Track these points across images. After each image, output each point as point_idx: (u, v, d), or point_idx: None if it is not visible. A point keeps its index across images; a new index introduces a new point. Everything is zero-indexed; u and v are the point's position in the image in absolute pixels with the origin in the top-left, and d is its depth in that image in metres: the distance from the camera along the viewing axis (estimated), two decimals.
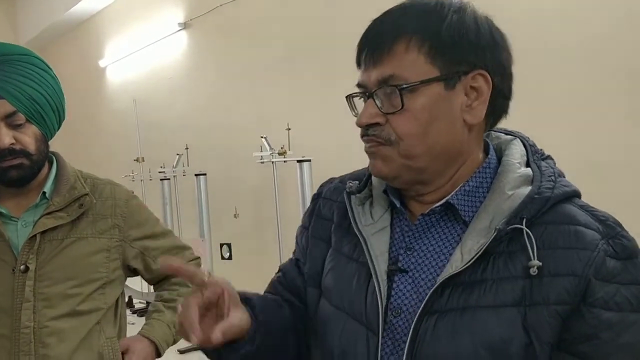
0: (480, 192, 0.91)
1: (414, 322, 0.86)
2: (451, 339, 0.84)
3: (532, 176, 0.89)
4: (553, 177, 0.90)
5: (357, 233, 0.94)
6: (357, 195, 0.98)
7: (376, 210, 0.96)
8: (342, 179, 1.07)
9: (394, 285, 0.90)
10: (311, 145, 2.78)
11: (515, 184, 0.89)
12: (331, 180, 1.11)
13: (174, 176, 3.36)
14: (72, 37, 5.58)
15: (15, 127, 1.40)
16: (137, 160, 3.56)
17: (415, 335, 0.86)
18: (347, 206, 0.97)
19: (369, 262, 0.91)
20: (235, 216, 3.17)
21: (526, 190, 0.87)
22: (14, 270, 1.41)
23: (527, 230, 0.83)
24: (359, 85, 0.92)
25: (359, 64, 0.92)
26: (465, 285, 0.85)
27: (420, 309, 0.86)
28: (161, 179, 3.49)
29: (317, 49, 3.04)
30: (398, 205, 0.94)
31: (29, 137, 1.41)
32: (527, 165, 0.92)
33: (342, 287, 0.97)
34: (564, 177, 0.92)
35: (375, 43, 0.89)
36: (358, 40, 0.93)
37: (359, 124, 0.90)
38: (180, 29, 4.10)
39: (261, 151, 2.83)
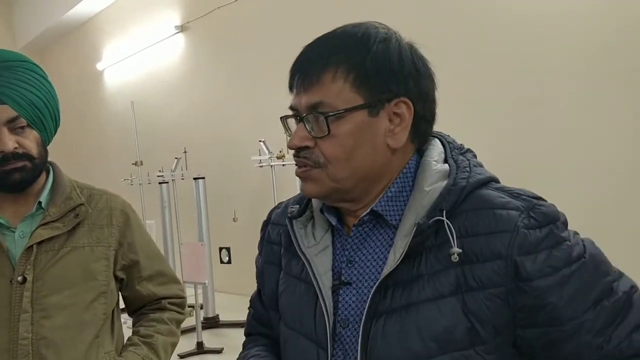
0: (404, 195, 0.96)
1: (361, 327, 0.91)
2: (400, 338, 0.89)
3: (449, 170, 0.94)
4: (468, 168, 0.95)
5: (301, 255, 0.99)
6: (299, 219, 1.03)
7: (318, 231, 1.01)
8: (287, 203, 1.12)
9: (340, 298, 0.96)
10: None
11: (432, 180, 0.94)
12: (279, 205, 1.16)
13: (172, 180, 3.35)
14: (70, 40, 5.57)
15: (17, 131, 1.42)
16: (135, 164, 3.55)
17: (365, 340, 0.91)
18: (289, 230, 1.02)
19: (314, 281, 0.96)
20: (234, 220, 3.16)
21: (443, 184, 0.93)
22: (11, 281, 1.40)
23: (447, 220, 0.88)
24: (291, 107, 0.98)
25: (291, 88, 0.98)
26: (405, 283, 0.90)
27: (365, 312, 0.91)
28: (160, 183, 3.48)
29: None
30: (334, 223, 0.99)
31: (30, 141, 1.43)
32: (446, 161, 0.97)
33: (293, 307, 1.02)
34: (482, 167, 0.97)
35: (305, 70, 0.95)
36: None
37: (290, 146, 0.96)
38: (178, 32, 4.09)
39: (260, 155, 2.82)
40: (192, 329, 2.84)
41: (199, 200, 3.20)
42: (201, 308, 2.79)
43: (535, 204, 0.90)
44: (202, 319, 2.73)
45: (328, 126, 0.92)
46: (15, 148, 1.40)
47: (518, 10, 2.29)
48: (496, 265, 0.87)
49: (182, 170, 3.37)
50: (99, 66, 5.07)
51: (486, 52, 2.39)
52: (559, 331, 0.88)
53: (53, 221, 1.45)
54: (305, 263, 0.98)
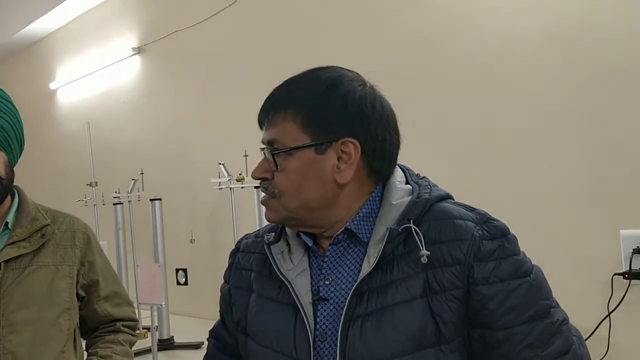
0: (374, 214, 1.06)
1: (339, 329, 0.99)
2: (378, 337, 0.98)
3: (412, 189, 1.07)
4: (429, 186, 1.08)
5: (282, 278, 1.07)
6: (276, 244, 1.11)
7: (295, 255, 1.09)
8: (257, 234, 1.22)
9: (318, 313, 1.04)
10: None
11: (399, 195, 1.05)
12: (247, 236, 1.25)
13: (128, 201, 3.34)
14: (22, 59, 5.49)
15: None
16: (90, 184, 3.52)
17: (344, 342, 0.99)
18: (268, 256, 1.10)
19: (296, 300, 1.04)
20: (191, 241, 3.18)
21: (408, 199, 1.04)
22: None
23: (414, 227, 0.99)
24: (262, 141, 1.09)
25: (258, 124, 1.11)
26: (380, 288, 1.00)
27: (343, 316, 1.00)
28: (114, 204, 3.47)
29: (274, 76, 3.10)
30: (310, 245, 1.09)
31: None
32: (407, 183, 1.09)
33: (269, 327, 1.09)
34: (438, 187, 1.10)
35: (266, 109, 1.08)
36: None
37: (252, 177, 1.09)
38: (135, 54, 4.10)
39: (219, 177, 2.86)
40: (147, 351, 2.83)
41: (155, 221, 3.20)
42: (156, 329, 2.77)
43: (488, 217, 1.03)
44: (156, 340, 2.72)
45: (275, 162, 1.04)
46: None
47: (465, 33, 2.41)
48: (455, 269, 0.99)
49: (138, 191, 3.36)
50: (52, 85, 5.01)
51: (433, 79, 2.50)
52: (491, 336, 0.99)
53: (20, 240, 1.52)
54: (287, 285, 1.06)
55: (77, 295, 1.61)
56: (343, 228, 1.05)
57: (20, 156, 1.60)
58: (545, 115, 2.21)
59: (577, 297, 2.07)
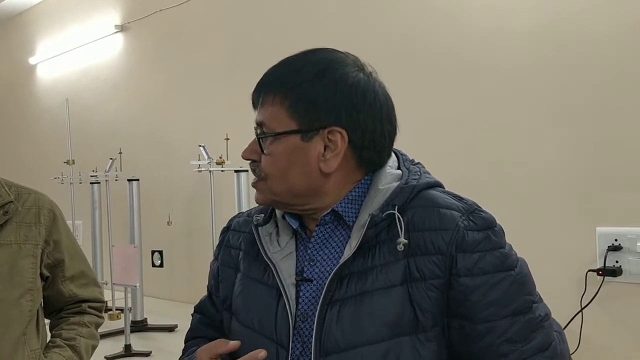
0: (362, 198, 1.05)
1: (316, 314, 0.99)
2: (354, 323, 0.97)
3: (402, 174, 1.05)
4: (419, 173, 1.06)
5: (267, 260, 1.06)
6: (264, 226, 1.10)
7: (282, 238, 1.09)
8: (249, 213, 1.21)
9: (301, 294, 1.03)
10: None
11: (387, 180, 1.04)
12: (239, 214, 1.25)
13: (106, 180, 3.30)
14: (1, 32, 5.38)
15: None
16: (67, 162, 3.47)
17: (320, 327, 0.98)
18: (255, 237, 1.09)
19: (279, 282, 1.04)
20: (168, 223, 3.15)
21: (396, 184, 1.02)
22: None
23: (397, 213, 0.97)
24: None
25: (254, 106, 1.08)
26: (360, 273, 0.98)
27: (321, 299, 0.99)
28: (91, 183, 3.42)
29: (258, 59, 3.07)
30: (295, 227, 1.08)
31: None
32: (399, 169, 1.07)
33: (251, 307, 1.09)
34: (430, 174, 1.09)
35: (257, 90, 1.06)
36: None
37: (242, 157, 1.08)
38: (117, 31, 4.03)
39: (199, 160, 2.83)
40: (120, 332, 2.80)
41: (132, 202, 3.16)
42: (129, 311, 2.75)
43: (475, 208, 1.01)
44: (130, 322, 2.70)
45: (261, 146, 1.03)
46: None
47: (460, 26, 2.40)
48: (437, 258, 0.97)
49: (116, 171, 3.32)
50: (32, 60, 4.92)
51: (419, 69, 2.50)
52: (472, 328, 0.98)
53: None
54: (271, 267, 1.05)
55: (42, 275, 1.55)
56: (330, 210, 1.04)
57: None
58: (526, 112, 2.22)
59: (551, 292, 2.07)
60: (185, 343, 1.27)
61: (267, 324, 1.05)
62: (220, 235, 1.25)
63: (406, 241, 0.96)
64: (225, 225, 1.26)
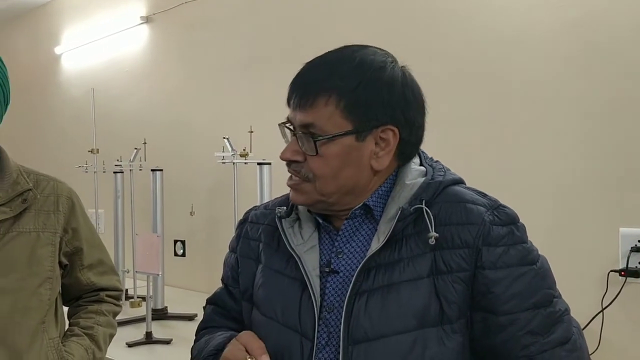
0: (388, 193, 1.07)
1: (345, 304, 1.00)
2: (382, 313, 0.99)
3: (426, 170, 1.08)
4: (443, 170, 1.09)
5: (292, 251, 1.08)
6: (287, 219, 1.11)
7: (305, 231, 1.11)
8: (267, 206, 1.23)
9: (327, 285, 1.05)
10: (272, 148, 2.82)
11: (413, 176, 1.06)
12: (255, 207, 1.26)
13: (130, 170, 3.34)
14: (27, 21, 5.44)
15: None
16: (91, 151, 3.51)
17: (348, 317, 1.00)
18: (279, 229, 1.10)
19: (304, 274, 1.05)
20: (191, 214, 3.18)
21: (422, 179, 1.05)
22: None
23: (426, 208, 1.00)
24: (288, 119, 1.07)
25: (288, 103, 1.06)
26: (387, 265, 1.01)
27: (349, 290, 1.01)
28: (115, 172, 3.46)
29: (284, 52, 3.09)
30: (321, 222, 1.09)
31: None
32: (421, 165, 1.10)
33: (273, 299, 1.10)
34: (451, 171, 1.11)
35: (302, 90, 1.03)
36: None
37: (281, 158, 1.06)
38: (142, 23, 4.07)
39: (223, 151, 2.85)
40: (141, 319, 2.85)
41: (155, 191, 3.20)
42: (151, 299, 2.79)
43: (499, 204, 1.05)
44: (151, 309, 2.74)
45: (316, 148, 1.02)
46: None
47: (480, 27, 2.40)
48: (464, 252, 1.00)
49: (140, 161, 3.36)
50: (57, 50, 4.98)
51: (446, 67, 2.50)
52: (494, 320, 1.00)
53: (0, 205, 1.44)
54: (297, 259, 1.07)
55: (60, 263, 1.54)
56: (361, 204, 1.06)
57: (1, 119, 1.50)
58: (548, 111, 2.21)
59: (572, 291, 2.07)
60: (196, 334, 1.28)
61: (291, 316, 1.06)
62: (238, 227, 1.26)
63: (437, 235, 0.99)
64: (241, 217, 1.27)
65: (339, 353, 1.00)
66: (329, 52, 1.08)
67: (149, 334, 2.65)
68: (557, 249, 2.15)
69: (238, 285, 1.21)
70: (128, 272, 3.37)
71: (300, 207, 1.13)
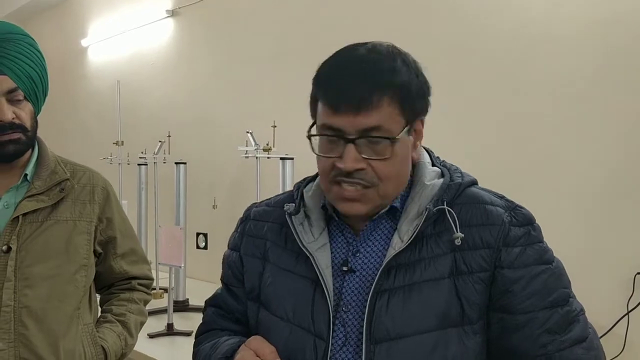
0: (407, 192, 1.07)
1: (367, 303, 0.99)
2: (404, 313, 0.98)
3: (441, 171, 1.07)
4: (459, 171, 1.09)
5: (304, 250, 1.05)
6: (296, 216, 1.08)
7: (315, 229, 1.08)
8: (268, 203, 1.20)
9: (345, 284, 1.04)
10: (295, 144, 2.82)
11: (431, 176, 1.06)
12: (255, 204, 1.23)
13: (154, 163, 3.37)
14: (55, 14, 5.51)
15: (14, 103, 1.44)
16: (116, 143, 3.55)
17: (371, 313, 0.99)
18: (290, 226, 1.08)
19: (318, 273, 1.04)
20: (214, 207, 3.20)
21: (440, 181, 1.05)
22: None
23: (449, 209, 1.00)
24: (331, 127, 0.99)
25: (334, 108, 0.97)
26: (408, 265, 1.00)
27: (373, 287, 1.00)
28: (139, 164, 3.49)
29: (308, 48, 3.08)
30: (336, 218, 1.08)
31: (26, 114, 1.47)
32: (433, 165, 1.10)
33: (284, 298, 1.08)
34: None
35: (357, 92, 0.96)
36: (347, 43, 1.04)
37: (347, 169, 0.99)
38: (168, 16, 4.09)
39: (246, 146, 2.86)
40: (163, 311, 2.87)
41: (179, 184, 3.22)
42: (173, 290, 2.82)
43: (516, 205, 1.05)
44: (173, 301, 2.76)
45: (392, 150, 0.98)
46: (13, 118, 1.43)
47: (506, 23, 2.37)
48: (485, 252, 1.00)
49: (164, 153, 3.39)
50: (84, 42, 5.03)
51: (471, 65, 2.47)
52: (512, 320, 1.00)
53: (39, 194, 1.49)
54: (310, 257, 1.05)
55: (94, 251, 1.59)
56: (388, 207, 1.06)
57: (41, 109, 1.55)
58: (578, 111, 2.18)
59: (598, 293, 2.06)
60: (197, 337, 1.24)
61: (303, 315, 1.05)
62: (239, 225, 1.22)
63: (462, 235, 0.98)
64: (242, 215, 1.23)
65: (357, 353, 1.00)
66: (348, 52, 1.02)
67: (170, 326, 2.67)
68: (583, 250, 2.13)
69: (241, 284, 1.17)
70: (151, 263, 3.39)
71: (309, 204, 1.10)
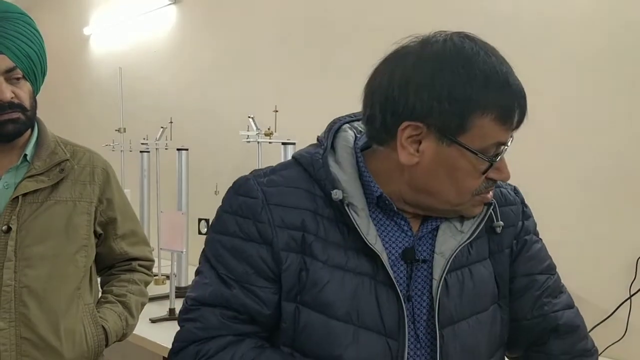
0: None
1: (433, 287, 1.01)
2: (462, 294, 1.03)
3: None
4: None
5: (372, 247, 0.96)
6: (355, 205, 0.98)
7: (364, 219, 0.99)
8: (278, 182, 1.03)
9: (414, 275, 1.02)
10: (296, 128, 2.81)
11: None
12: (258, 182, 1.05)
13: (156, 149, 3.36)
14: (56, 3, 5.50)
15: (12, 82, 1.44)
16: (118, 130, 3.54)
17: (436, 301, 1.01)
18: (352, 220, 0.97)
19: (381, 267, 0.98)
20: (215, 193, 3.19)
21: None
22: None
23: (494, 200, 1.07)
24: (505, 144, 0.99)
25: (517, 125, 1.01)
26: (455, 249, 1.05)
27: (440, 275, 1.01)
28: (141, 151, 3.49)
29: (310, 33, 3.07)
30: (396, 209, 1.02)
31: (25, 93, 1.46)
32: None
33: (345, 300, 0.97)
34: None
35: (525, 107, 1.01)
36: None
37: (506, 179, 1.03)
38: (170, 4, 4.08)
39: (247, 131, 2.85)
40: (165, 297, 2.88)
41: (181, 170, 3.22)
42: (175, 277, 2.82)
43: (514, 186, 1.18)
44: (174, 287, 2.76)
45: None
46: (12, 98, 1.43)
47: (511, 13, 2.35)
48: (512, 230, 1.12)
49: (166, 140, 3.38)
50: (86, 31, 5.02)
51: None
52: (515, 284, 1.12)
53: (38, 174, 1.48)
54: (380, 255, 0.97)
55: (95, 232, 1.59)
56: None
57: (40, 88, 1.55)
58: (581, 94, 2.17)
59: (600, 278, 2.05)
60: (193, 342, 1.02)
61: (370, 316, 0.97)
62: (254, 210, 1.01)
63: (502, 224, 1.08)
64: (250, 195, 1.02)
65: (432, 343, 1.00)
66: (495, 56, 1.01)
67: (172, 311, 2.68)
68: (586, 235, 2.12)
69: (270, 284, 1.01)
70: (153, 250, 3.40)
71: (348, 189, 0.99)
